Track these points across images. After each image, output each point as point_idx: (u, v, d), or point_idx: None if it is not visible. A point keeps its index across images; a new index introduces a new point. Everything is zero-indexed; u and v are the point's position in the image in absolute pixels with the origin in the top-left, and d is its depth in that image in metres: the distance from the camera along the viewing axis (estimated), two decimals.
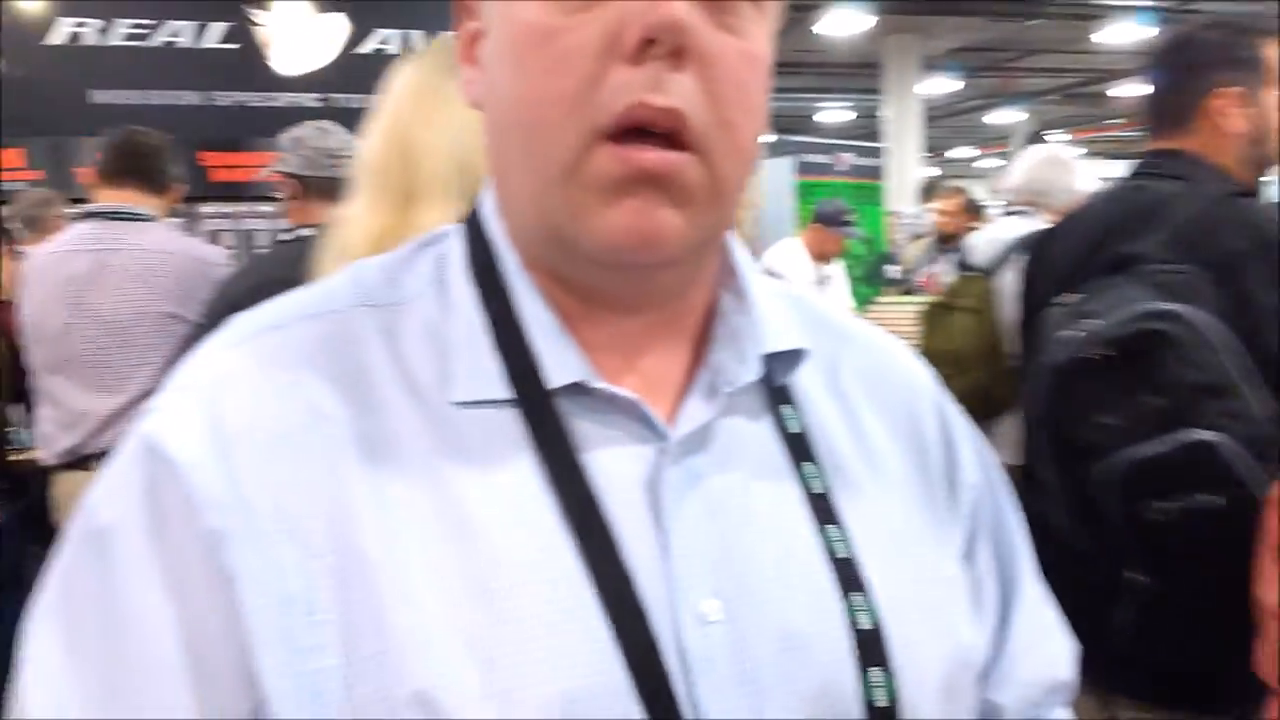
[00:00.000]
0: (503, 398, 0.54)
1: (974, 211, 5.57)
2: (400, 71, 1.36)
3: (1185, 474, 1.38)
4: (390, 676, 0.48)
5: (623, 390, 0.55)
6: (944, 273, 4.92)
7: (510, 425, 0.54)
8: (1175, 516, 1.37)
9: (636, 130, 0.50)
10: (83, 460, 2.48)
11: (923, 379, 0.70)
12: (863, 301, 5.83)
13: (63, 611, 0.52)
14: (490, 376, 0.55)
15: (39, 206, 3.93)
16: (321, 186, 2.31)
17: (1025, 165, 3.04)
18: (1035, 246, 1.97)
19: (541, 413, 0.54)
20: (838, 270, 5.04)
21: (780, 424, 0.60)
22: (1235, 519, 1.33)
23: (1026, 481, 1.57)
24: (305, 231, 2.29)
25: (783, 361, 0.60)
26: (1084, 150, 22.23)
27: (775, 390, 0.61)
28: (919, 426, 0.67)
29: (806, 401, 0.62)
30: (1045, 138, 14.15)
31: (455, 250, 0.60)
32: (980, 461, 0.70)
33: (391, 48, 5.56)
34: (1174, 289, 1.48)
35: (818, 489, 0.59)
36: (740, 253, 0.63)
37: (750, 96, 0.53)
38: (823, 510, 0.58)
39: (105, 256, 2.47)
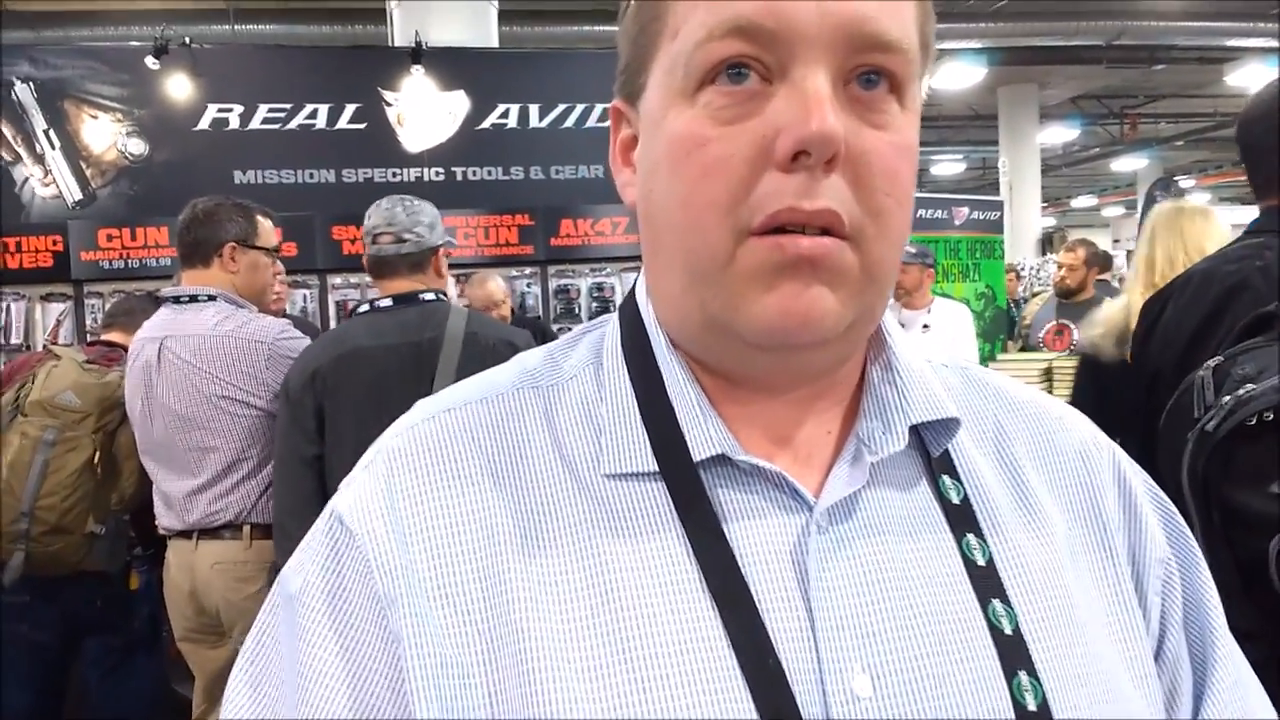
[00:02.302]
0: (650, 470, 0.56)
1: (1100, 263, 5.37)
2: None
3: None
4: None
5: (766, 462, 0.56)
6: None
7: (658, 496, 0.56)
8: None
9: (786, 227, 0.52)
10: (184, 533, 2.51)
11: (1099, 448, 0.66)
12: (983, 359, 5.66)
13: (254, 666, 0.58)
14: (638, 450, 0.57)
15: None
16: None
17: None
18: (1148, 310, 1.89)
19: (687, 484, 0.55)
20: (945, 316, 4.68)
21: (940, 494, 0.59)
22: None
23: None
24: (384, 303, 2.35)
25: (937, 431, 0.60)
26: (1212, 195, 21.34)
27: (936, 460, 0.60)
28: (1095, 499, 0.64)
29: (969, 471, 0.61)
30: (1174, 183, 13.65)
31: (612, 333, 0.63)
32: (1171, 534, 0.65)
33: (509, 122, 5.78)
34: None
35: (981, 561, 0.57)
36: (894, 328, 0.64)
37: (900, 185, 0.53)
38: (987, 583, 0.56)
39: (168, 344, 2.47)
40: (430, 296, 2.36)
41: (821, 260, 0.51)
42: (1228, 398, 1.39)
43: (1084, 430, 0.67)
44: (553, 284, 5.82)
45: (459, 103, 5.72)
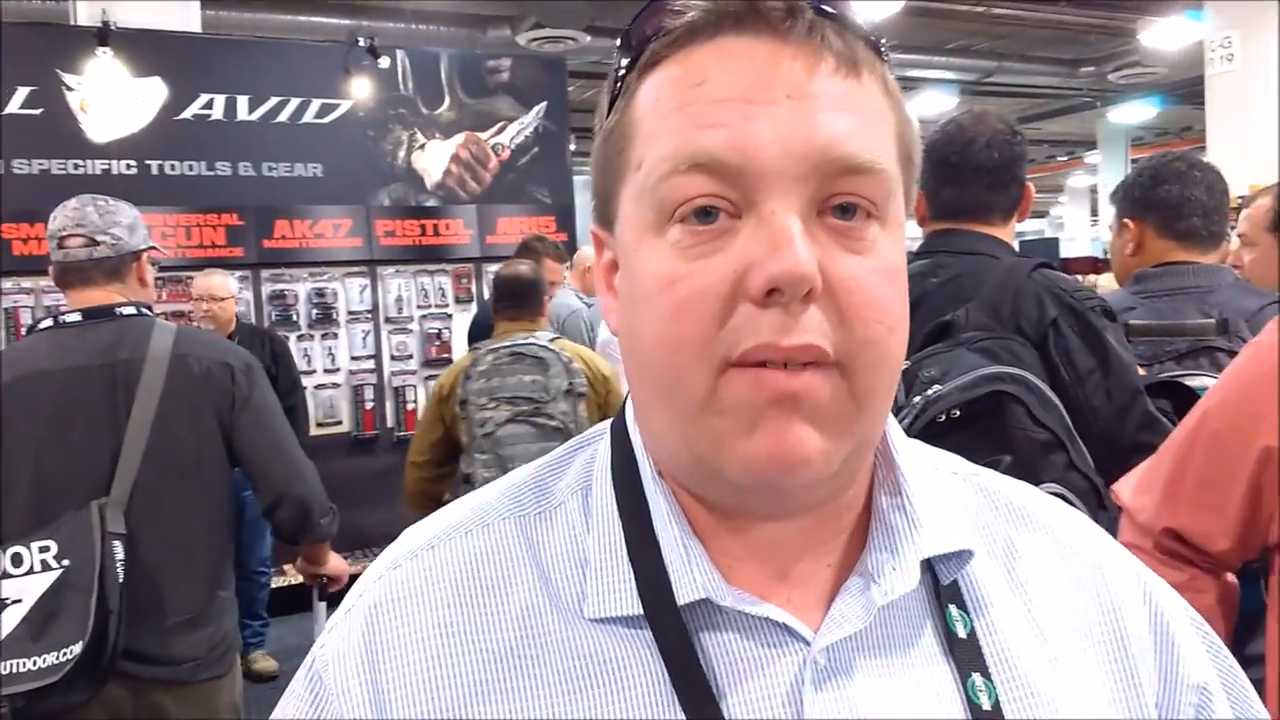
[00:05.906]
0: (635, 614, 0.54)
1: None
2: None
3: None
4: None
5: (755, 603, 0.53)
6: None
7: (643, 642, 0.53)
8: None
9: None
10: None
11: (1122, 568, 0.63)
12: None
13: None
14: (623, 591, 0.54)
15: None
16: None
17: None
18: None
19: (671, 631, 0.53)
20: None
21: (946, 626, 0.55)
22: None
23: None
24: (71, 317, 2.05)
25: (949, 559, 0.57)
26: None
27: (944, 588, 0.57)
28: (1115, 620, 0.60)
29: (977, 598, 0.57)
30: None
31: (603, 456, 0.60)
32: (1211, 658, 0.62)
33: (214, 114, 5.35)
34: (997, 353, 1.57)
35: (986, 705, 0.54)
36: (899, 439, 0.60)
37: (891, 311, 0.51)
38: None
39: None
40: (129, 310, 2.08)
41: (804, 396, 0.48)
42: (918, 398, 1.51)
43: (1104, 547, 0.64)
44: (266, 289, 5.47)
45: (154, 90, 5.22)
